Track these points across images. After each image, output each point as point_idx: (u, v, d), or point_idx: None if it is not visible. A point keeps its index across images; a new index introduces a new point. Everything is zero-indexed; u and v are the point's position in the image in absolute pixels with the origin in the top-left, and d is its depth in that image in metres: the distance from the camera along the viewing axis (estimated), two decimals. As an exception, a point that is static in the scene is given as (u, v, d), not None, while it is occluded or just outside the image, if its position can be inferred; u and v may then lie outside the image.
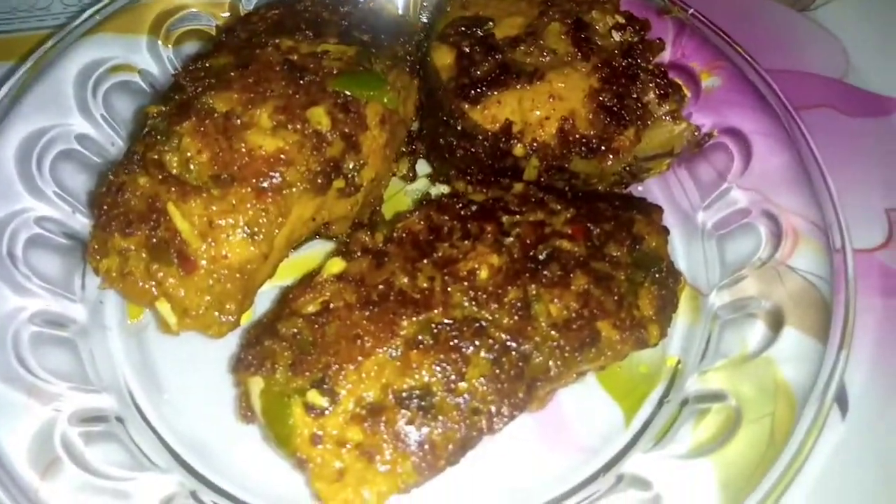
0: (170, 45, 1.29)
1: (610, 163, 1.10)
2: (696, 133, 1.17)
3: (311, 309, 0.94)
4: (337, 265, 0.98)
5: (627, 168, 1.16)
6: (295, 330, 0.92)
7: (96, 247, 0.98)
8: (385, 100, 1.07)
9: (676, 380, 1.08)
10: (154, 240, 0.95)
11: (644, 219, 1.10)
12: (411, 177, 1.28)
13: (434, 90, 1.16)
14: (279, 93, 1.01)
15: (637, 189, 1.26)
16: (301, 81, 1.02)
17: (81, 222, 1.12)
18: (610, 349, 0.97)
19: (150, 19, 1.28)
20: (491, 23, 1.16)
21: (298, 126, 0.98)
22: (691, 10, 1.31)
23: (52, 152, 1.12)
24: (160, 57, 1.27)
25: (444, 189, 1.27)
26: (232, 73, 1.03)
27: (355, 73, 1.06)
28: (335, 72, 1.05)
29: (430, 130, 1.21)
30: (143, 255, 0.96)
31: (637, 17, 1.19)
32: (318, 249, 1.17)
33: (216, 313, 0.96)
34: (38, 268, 1.05)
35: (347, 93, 1.03)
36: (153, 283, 0.95)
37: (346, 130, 1.01)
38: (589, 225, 1.04)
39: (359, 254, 0.99)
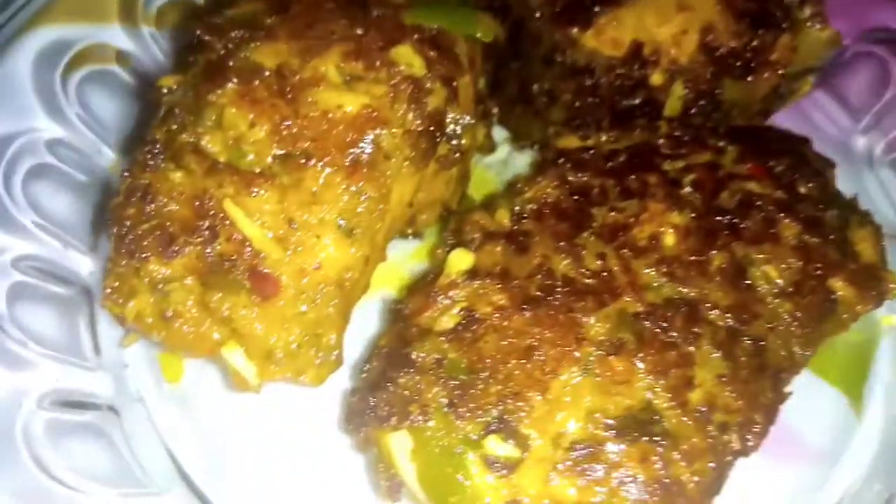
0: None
1: (767, 78, 0.86)
2: (841, 40, 0.93)
3: (447, 323, 0.67)
4: (464, 259, 0.70)
5: (776, 90, 0.91)
6: (438, 355, 0.64)
7: (116, 285, 0.69)
8: (479, 33, 0.80)
9: (903, 344, 0.84)
10: (209, 258, 0.65)
11: (810, 151, 0.87)
12: (489, 146, 1.00)
13: (522, 23, 0.89)
14: (342, 34, 0.73)
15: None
16: (367, 17, 0.74)
17: (78, 259, 0.81)
18: (847, 313, 0.74)
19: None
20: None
21: (383, 74, 0.71)
22: None
23: (22, 169, 0.81)
24: (141, 37, 0.96)
25: (527, 158, 1.00)
26: (270, 20, 0.74)
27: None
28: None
29: (516, 80, 0.94)
30: (192, 282, 0.66)
31: None
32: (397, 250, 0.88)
33: (313, 350, 0.67)
34: (33, 329, 0.73)
35: (433, 26, 0.76)
36: (215, 321, 0.65)
37: (444, 73, 0.74)
38: (770, 162, 0.80)
39: (479, 241, 0.72)
